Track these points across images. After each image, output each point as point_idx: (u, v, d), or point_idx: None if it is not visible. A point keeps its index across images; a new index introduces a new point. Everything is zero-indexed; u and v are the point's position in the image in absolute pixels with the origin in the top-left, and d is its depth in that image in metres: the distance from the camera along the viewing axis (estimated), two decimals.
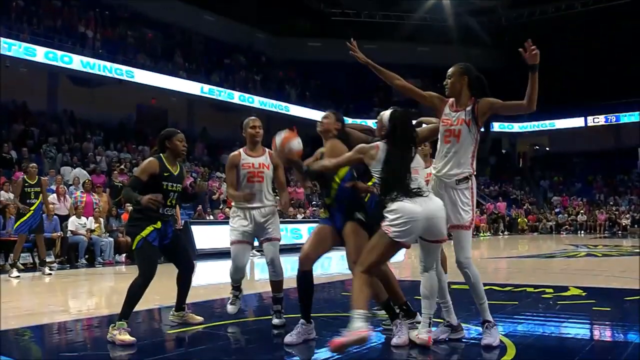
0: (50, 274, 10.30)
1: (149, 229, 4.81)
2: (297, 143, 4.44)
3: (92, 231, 13.18)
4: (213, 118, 27.52)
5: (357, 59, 4.59)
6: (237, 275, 5.47)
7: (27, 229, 10.42)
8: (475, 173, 4.40)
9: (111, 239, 13.45)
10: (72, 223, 12.75)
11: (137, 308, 6.54)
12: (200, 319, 5.43)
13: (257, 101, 27.37)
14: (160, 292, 8.14)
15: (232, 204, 5.63)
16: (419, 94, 4.51)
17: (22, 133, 19.02)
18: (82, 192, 14.19)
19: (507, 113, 4.36)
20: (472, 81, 4.40)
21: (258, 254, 12.55)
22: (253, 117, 5.66)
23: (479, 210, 29.12)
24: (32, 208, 10.23)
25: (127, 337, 4.59)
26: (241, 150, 5.48)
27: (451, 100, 4.43)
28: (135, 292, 4.80)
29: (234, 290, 5.59)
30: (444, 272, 4.68)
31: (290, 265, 6.03)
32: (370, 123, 5.48)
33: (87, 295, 8.60)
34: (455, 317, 4.56)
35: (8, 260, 11.75)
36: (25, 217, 10.21)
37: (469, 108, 4.33)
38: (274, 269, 5.27)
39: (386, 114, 4.33)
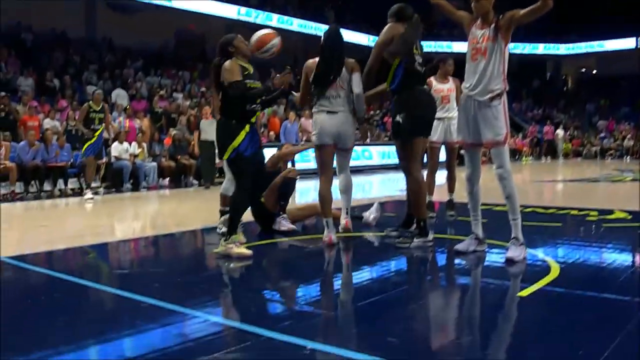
0: (92, 198, 10.57)
1: (241, 136, 4.76)
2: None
3: (135, 156, 13.40)
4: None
5: None
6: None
7: (94, 152, 10.74)
8: (507, 89, 4.45)
9: (154, 164, 13.67)
10: (115, 149, 12.92)
11: (181, 229, 6.76)
12: (243, 239, 5.48)
13: (295, 23, 26.86)
14: (203, 212, 8.32)
15: None
16: (453, 12, 4.75)
17: (64, 61, 19.16)
18: (124, 117, 14.36)
19: (529, 19, 4.36)
20: (499, 1, 4.51)
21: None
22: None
23: (522, 135, 28.57)
24: (97, 134, 10.52)
25: (244, 250, 4.77)
26: None
27: (479, 20, 4.52)
28: (236, 205, 4.90)
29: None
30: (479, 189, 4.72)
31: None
32: None
33: (133, 218, 8.83)
34: (481, 231, 4.69)
35: (57, 186, 12.12)
36: (91, 141, 10.49)
37: (493, 25, 4.42)
38: None
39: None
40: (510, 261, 4.28)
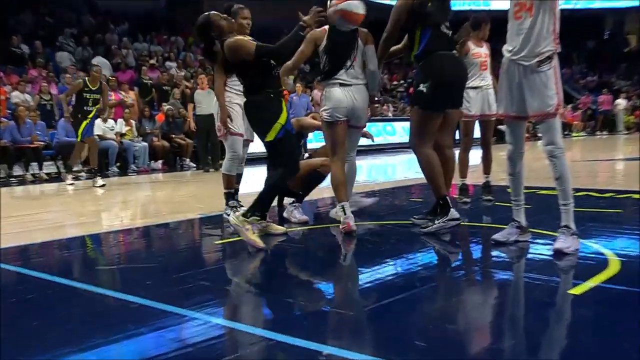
0: (73, 184, 10.65)
1: (285, 112, 4.88)
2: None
3: (122, 135, 13.47)
4: (256, 5, 26.97)
5: None
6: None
7: (92, 131, 10.83)
8: (559, 50, 4.37)
9: (145, 144, 13.75)
10: (98, 126, 12.89)
11: (176, 217, 6.82)
12: (282, 229, 5.57)
13: None
14: (202, 198, 8.38)
15: None
16: None
17: (34, 24, 19.12)
18: (109, 91, 14.37)
19: None
20: None
21: None
22: (241, 6, 5.89)
23: (572, 106, 28.31)
24: (90, 115, 10.54)
25: (258, 240, 4.85)
26: None
27: None
28: (277, 189, 5.04)
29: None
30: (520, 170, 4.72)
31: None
32: None
33: (121, 206, 8.91)
34: (524, 218, 4.70)
35: (29, 170, 12.22)
36: (86, 122, 10.51)
37: None
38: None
39: None
40: (559, 253, 4.28)
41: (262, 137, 4.98)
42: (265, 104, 4.91)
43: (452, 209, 5.20)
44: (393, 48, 5.54)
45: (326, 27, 5.37)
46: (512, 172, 4.62)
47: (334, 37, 5.30)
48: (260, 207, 4.92)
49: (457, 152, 6.60)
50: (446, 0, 5.22)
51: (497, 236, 4.70)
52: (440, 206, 5.23)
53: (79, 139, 10.79)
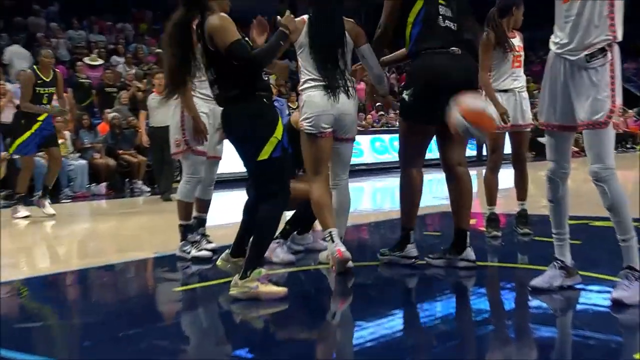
0: (28, 215, 10.33)
1: (280, 125, 4.82)
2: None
3: None
4: None
5: None
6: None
7: (35, 147, 10.33)
8: (618, 39, 4.30)
9: (84, 162, 13.70)
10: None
11: (124, 257, 6.80)
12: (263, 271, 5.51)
13: None
14: (158, 232, 8.37)
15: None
16: None
17: None
18: None
19: None
20: None
21: None
22: None
23: (637, 111, 28.42)
24: (42, 117, 10.05)
25: (276, 288, 4.84)
26: None
27: None
28: (275, 224, 4.94)
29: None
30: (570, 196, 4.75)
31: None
32: None
33: (51, 243, 8.88)
34: (570, 257, 4.63)
35: None
36: (32, 131, 9.99)
37: None
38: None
39: None
40: (619, 304, 4.21)
41: (252, 155, 4.80)
42: (260, 113, 4.80)
43: (410, 245, 5.57)
44: (402, 50, 5.64)
45: (305, 17, 5.52)
46: (553, 197, 4.58)
47: (317, 32, 5.45)
48: (260, 255, 4.83)
49: (483, 172, 6.64)
50: None
51: (536, 281, 4.65)
52: (401, 237, 5.62)
53: (10, 152, 10.50)
